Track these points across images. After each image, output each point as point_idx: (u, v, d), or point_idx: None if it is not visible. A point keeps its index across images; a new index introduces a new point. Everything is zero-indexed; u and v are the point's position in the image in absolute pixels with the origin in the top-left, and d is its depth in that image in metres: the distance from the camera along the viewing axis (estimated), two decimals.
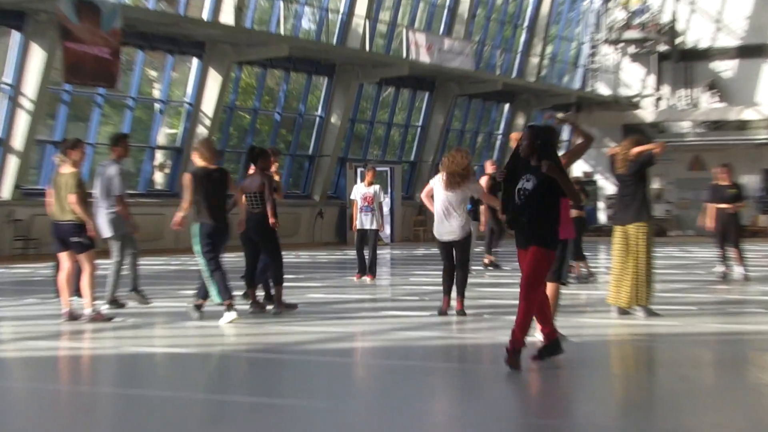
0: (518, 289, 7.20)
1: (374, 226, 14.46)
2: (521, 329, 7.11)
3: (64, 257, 9.91)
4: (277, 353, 8.26)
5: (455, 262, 10.22)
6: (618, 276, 10.15)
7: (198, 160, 10.04)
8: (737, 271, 14.86)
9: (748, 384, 6.91)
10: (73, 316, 9.80)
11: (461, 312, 10.19)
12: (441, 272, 10.33)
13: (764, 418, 5.83)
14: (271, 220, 10.44)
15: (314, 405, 6.13)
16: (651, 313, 10.10)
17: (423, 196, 10.56)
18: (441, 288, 10.34)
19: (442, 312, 10.21)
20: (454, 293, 10.25)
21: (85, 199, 9.81)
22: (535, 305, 7.20)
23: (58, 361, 8.15)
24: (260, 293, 11.00)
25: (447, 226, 10.13)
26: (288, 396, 6.53)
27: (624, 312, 10.16)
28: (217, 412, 6.00)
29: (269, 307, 10.64)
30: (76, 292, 10.15)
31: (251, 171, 10.82)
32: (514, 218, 7.30)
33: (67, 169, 9.82)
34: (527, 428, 5.55)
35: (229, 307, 9.66)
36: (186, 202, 9.89)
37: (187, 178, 9.97)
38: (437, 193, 10.20)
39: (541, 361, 7.29)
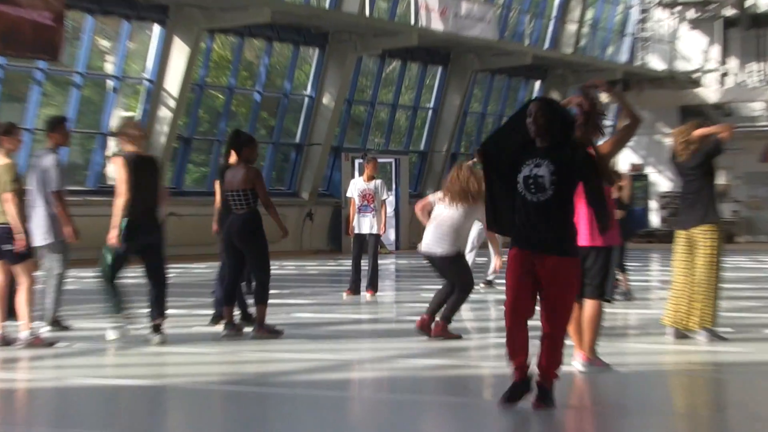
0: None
1: (374, 231, 14.48)
2: (553, 365, 6.91)
3: None
4: (257, 386, 8.25)
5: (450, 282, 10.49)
6: (681, 291, 10.11)
7: (127, 146, 10.16)
8: None
9: None
10: (6, 341, 9.76)
11: (439, 337, 10.30)
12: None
13: None
14: (282, 233, 10.59)
15: None
16: (715, 337, 10.08)
17: (418, 208, 10.96)
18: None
19: (417, 328, 10.36)
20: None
21: (21, 198, 9.80)
22: (564, 334, 7.01)
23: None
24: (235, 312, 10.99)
25: (426, 242, 10.44)
26: None
27: (681, 335, 10.14)
28: None
29: (247, 330, 10.62)
30: (10, 311, 10.13)
31: (232, 160, 10.82)
32: (526, 219, 6.86)
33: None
34: None
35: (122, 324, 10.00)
36: (124, 195, 9.93)
37: (121, 163, 10.01)
38: (436, 208, 10.56)
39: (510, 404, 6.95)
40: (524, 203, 6.87)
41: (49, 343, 9.86)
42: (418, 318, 10.42)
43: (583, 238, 7.98)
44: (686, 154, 10.17)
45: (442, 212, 10.44)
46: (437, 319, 10.33)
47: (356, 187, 14.73)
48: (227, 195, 10.60)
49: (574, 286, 7.01)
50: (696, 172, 10.12)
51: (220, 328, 10.72)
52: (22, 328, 9.77)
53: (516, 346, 6.90)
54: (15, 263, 9.79)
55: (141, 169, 10.03)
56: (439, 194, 10.64)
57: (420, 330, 10.32)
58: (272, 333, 10.45)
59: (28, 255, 9.82)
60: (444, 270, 10.45)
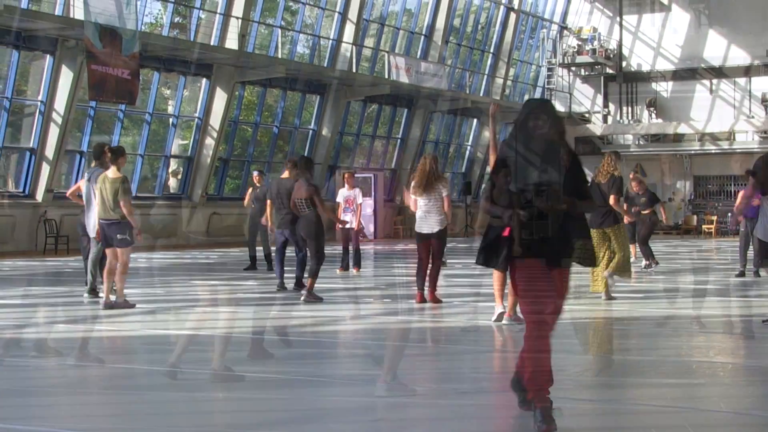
0: None
1: (353, 225, 14.60)
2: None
3: (109, 252, 9.95)
4: (281, 335, 8.41)
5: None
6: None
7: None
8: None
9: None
10: (109, 305, 9.81)
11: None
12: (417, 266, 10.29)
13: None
14: (339, 223, 11.18)
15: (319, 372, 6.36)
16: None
17: (411, 205, 10.33)
18: (415, 279, 10.37)
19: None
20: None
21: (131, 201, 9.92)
22: None
23: (101, 341, 8.24)
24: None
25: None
26: (298, 370, 6.66)
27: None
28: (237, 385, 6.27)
29: (303, 292, 10.77)
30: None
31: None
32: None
33: (114, 174, 9.87)
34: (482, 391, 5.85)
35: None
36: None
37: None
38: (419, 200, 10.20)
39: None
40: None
41: (132, 305, 9.94)
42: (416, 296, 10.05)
43: None
44: (606, 179, 10.59)
45: (426, 202, 10.03)
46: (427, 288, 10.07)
47: (342, 194, 14.86)
48: (296, 201, 10.82)
49: None
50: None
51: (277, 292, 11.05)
52: (117, 294, 9.87)
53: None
54: (122, 248, 9.81)
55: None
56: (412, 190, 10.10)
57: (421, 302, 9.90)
58: (317, 298, 10.60)
59: (131, 243, 9.90)
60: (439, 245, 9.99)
